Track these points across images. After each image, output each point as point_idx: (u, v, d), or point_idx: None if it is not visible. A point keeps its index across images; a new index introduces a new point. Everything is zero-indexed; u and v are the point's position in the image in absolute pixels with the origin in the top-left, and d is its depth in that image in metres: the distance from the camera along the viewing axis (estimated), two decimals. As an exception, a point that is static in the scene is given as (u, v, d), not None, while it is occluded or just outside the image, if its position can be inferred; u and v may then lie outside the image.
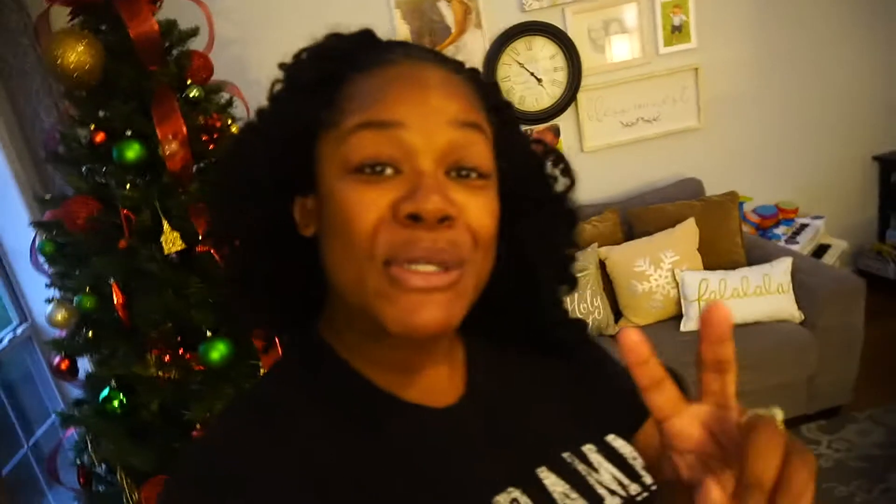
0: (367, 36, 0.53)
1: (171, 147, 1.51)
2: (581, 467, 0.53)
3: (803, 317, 2.40)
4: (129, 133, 1.52)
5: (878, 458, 2.24)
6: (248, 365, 1.56)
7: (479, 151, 0.48)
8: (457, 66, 0.52)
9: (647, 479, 0.54)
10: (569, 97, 3.02)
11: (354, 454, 0.48)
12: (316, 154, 0.49)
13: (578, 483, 0.51)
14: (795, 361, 2.36)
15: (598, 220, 2.85)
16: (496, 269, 0.51)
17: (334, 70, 0.50)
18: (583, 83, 3.01)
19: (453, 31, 2.95)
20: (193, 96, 1.63)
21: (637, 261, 2.65)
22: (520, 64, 3.00)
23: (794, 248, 2.84)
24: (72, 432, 1.81)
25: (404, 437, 0.50)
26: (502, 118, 0.54)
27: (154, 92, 1.54)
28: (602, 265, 2.69)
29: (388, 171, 0.45)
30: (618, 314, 2.69)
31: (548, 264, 0.57)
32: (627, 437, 0.57)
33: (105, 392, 1.59)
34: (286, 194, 0.52)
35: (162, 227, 1.49)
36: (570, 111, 3.07)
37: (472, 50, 2.96)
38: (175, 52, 1.64)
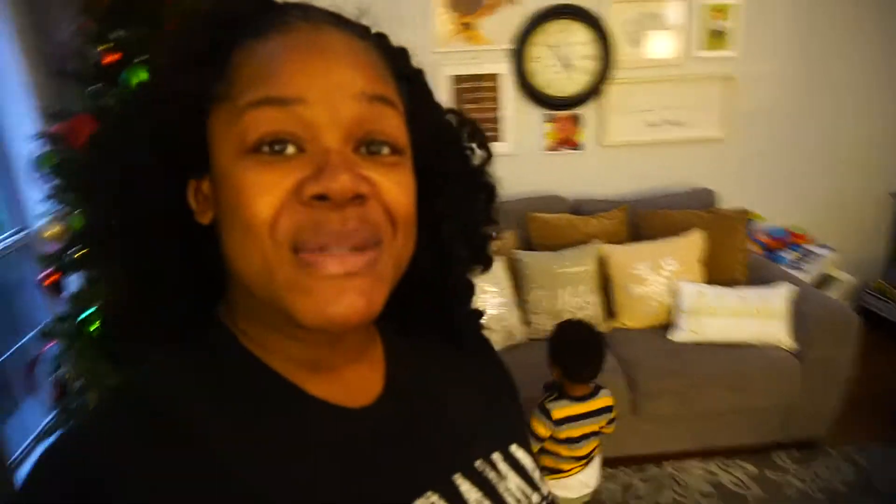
0: None
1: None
2: (492, 475, 0.52)
3: (795, 345, 2.38)
4: (139, 59, 1.50)
5: (842, 496, 2.24)
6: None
7: (391, 125, 0.44)
8: (362, 31, 0.48)
9: (545, 490, 0.55)
10: (596, 88, 2.96)
11: (262, 456, 0.43)
12: (208, 131, 0.44)
13: (490, 491, 0.51)
14: (778, 388, 2.35)
15: (605, 216, 2.82)
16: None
17: (225, 36, 0.44)
18: (613, 76, 2.95)
19: (486, 1, 2.88)
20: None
21: (637, 263, 2.62)
22: (551, 46, 2.93)
23: (799, 274, 2.81)
24: (52, 346, 1.83)
25: (320, 438, 0.46)
26: (414, 87, 0.50)
27: (169, 21, 1.51)
28: (602, 263, 2.67)
29: (290, 149, 0.41)
30: (610, 313, 2.68)
31: (464, 243, 0.54)
32: (525, 448, 0.58)
33: (86, 313, 1.60)
34: (177, 178, 0.46)
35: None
36: (595, 103, 3.01)
37: (503, 25, 2.89)
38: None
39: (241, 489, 0.41)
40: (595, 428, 1.78)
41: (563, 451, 1.78)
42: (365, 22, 0.49)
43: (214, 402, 0.44)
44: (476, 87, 2.98)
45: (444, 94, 2.96)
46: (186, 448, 0.41)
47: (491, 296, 2.44)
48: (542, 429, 1.75)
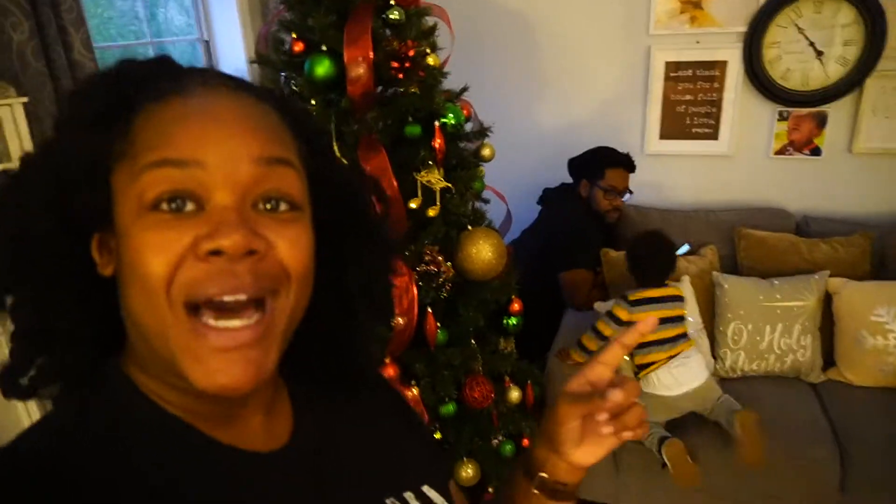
0: (163, 62, 0.49)
1: (356, 71, 1.44)
2: None
3: None
4: (323, 48, 1.48)
5: None
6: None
7: (288, 183, 0.46)
8: (262, 94, 0.49)
9: None
10: (852, 81, 2.39)
11: (173, 501, 0.44)
12: (111, 189, 0.44)
13: None
14: None
15: (840, 242, 2.29)
16: (312, 303, 0.49)
17: (126, 98, 0.45)
18: (878, 67, 2.35)
19: (725, -25, 2.45)
20: (393, 18, 1.52)
21: (878, 307, 2.09)
22: (799, 29, 2.42)
23: None
24: None
25: (227, 483, 0.47)
26: (315, 147, 0.51)
27: (353, 8, 1.46)
28: (828, 299, 2.18)
29: (189, 206, 0.42)
30: (828, 362, 2.19)
31: (365, 296, 0.56)
32: (439, 489, 0.59)
33: None
34: (79, 232, 0.46)
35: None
36: (848, 99, 2.44)
37: (739, 2, 2.44)
38: (386, -33, 1.53)
39: None
40: (671, 313, 1.94)
41: (648, 337, 1.84)
42: None
43: (116, 455, 0.44)
44: (694, 75, 2.58)
45: (656, 83, 2.62)
46: None
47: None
48: (608, 330, 1.94)
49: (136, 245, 0.42)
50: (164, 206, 0.42)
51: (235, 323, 0.42)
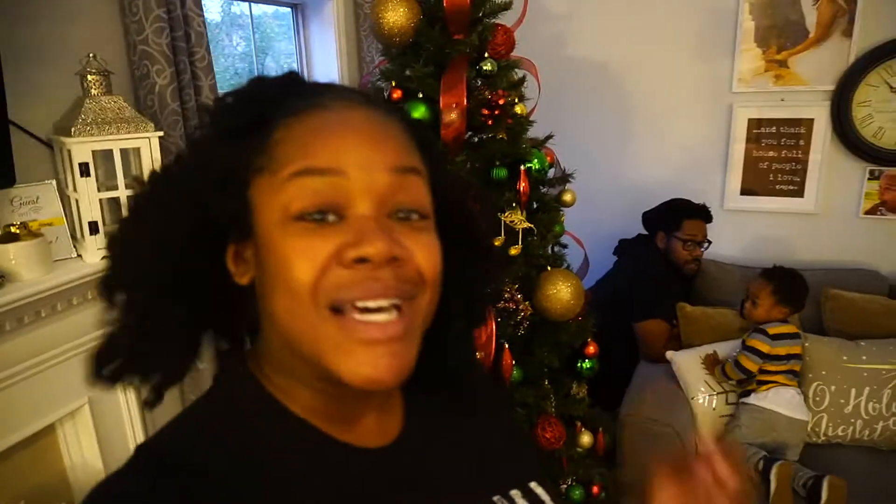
0: (292, 79, 0.51)
1: (449, 116, 1.55)
2: None
3: None
4: (420, 95, 1.61)
5: None
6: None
7: (419, 193, 0.48)
8: (388, 108, 0.51)
9: None
10: (951, 142, 2.32)
11: (292, 498, 0.46)
12: (250, 201, 0.47)
13: None
14: None
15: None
16: None
17: (263, 114, 0.47)
18: (979, 128, 2.27)
19: (812, 35, 2.46)
20: (486, 70, 1.64)
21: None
22: (892, 88, 2.39)
23: None
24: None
25: (341, 478, 0.49)
26: (433, 157, 0.53)
27: (451, 59, 1.58)
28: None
29: (331, 217, 0.44)
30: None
31: (470, 302, 0.58)
32: (545, 486, 0.60)
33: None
34: (216, 243, 0.49)
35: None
36: (946, 160, 2.36)
37: (826, 62, 2.44)
38: (482, 23, 1.65)
39: None
40: (798, 350, 2.03)
41: (780, 367, 2.00)
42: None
43: (242, 452, 0.47)
44: (778, 132, 2.57)
45: (738, 139, 2.62)
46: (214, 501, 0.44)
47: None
48: (750, 364, 2.00)
49: (282, 253, 0.44)
50: (308, 217, 0.44)
51: (381, 317, 0.44)
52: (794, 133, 2.55)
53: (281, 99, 0.48)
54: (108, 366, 0.48)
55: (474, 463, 0.58)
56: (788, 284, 2.07)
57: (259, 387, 0.50)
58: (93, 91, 1.38)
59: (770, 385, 2.00)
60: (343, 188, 0.44)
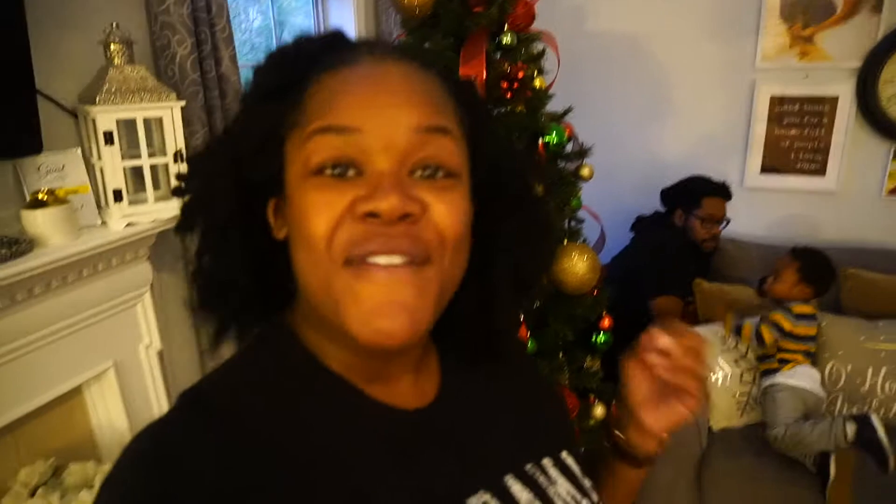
0: (335, 37, 0.51)
1: (468, 88, 1.55)
2: (542, 479, 0.55)
3: None
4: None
5: None
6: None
7: (446, 151, 0.46)
8: (427, 62, 0.50)
9: (595, 497, 0.58)
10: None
11: (325, 451, 0.47)
12: (285, 156, 0.48)
13: (540, 494, 0.53)
14: None
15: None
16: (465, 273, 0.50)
17: (300, 71, 0.48)
18: None
19: (839, 10, 2.41)
20: (506, 43, 1.63)
21: None
22: (920, 65, 2.33)
23: None
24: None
25: (377, 437, 0.49)
26: (476, 116, 0.51)
27: (470, 32, 1.58)
28: (942, 347, 2.05)
29: (351, 172, 0.44)
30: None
31: (516, 269, 0.56)
32: (575, 456, 0.60)
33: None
34: (259, 197, 0.50)
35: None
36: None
37: (853, 39, 2.39)
38: (503, -5, 1.64)
39: (306, 482, 0.45)
40: (815, 332, 2.03)
41: (800, 346, 2.00)
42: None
43: (281, 404, 0.48)
44: (801, 110, 2.53)
45: (759, 117, 2.58)
46: (254, 446, 0.44)
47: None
48: (768, 335, 2.00)
49: (300, 206, 0.45)
50: (328, 171, 0.44)
51: (396, 259, 0.43)
52: (817, 111, 2.51)
53: (319, 56, 0.48)
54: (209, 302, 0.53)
55: (509, 429, 0.58)
56: (815, 266, 2.04)
57: (298, 342, 0.51)
58: (116, 61, 1.40)
59: (792, 363, 1.99)
60: (362, 145, 0.44)
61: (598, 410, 1.84)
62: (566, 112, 1.77)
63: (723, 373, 2.08)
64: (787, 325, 1.99)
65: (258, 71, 0.51)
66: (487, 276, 0.54)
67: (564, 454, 0.59)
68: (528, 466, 0.55)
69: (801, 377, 1.97)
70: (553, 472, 0.56)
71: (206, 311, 0.53)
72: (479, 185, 0.50)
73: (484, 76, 1.55)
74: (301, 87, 0.47)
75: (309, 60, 0.48)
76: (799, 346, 2.00)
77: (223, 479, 0.42)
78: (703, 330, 2.14)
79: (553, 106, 1.75)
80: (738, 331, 2.05)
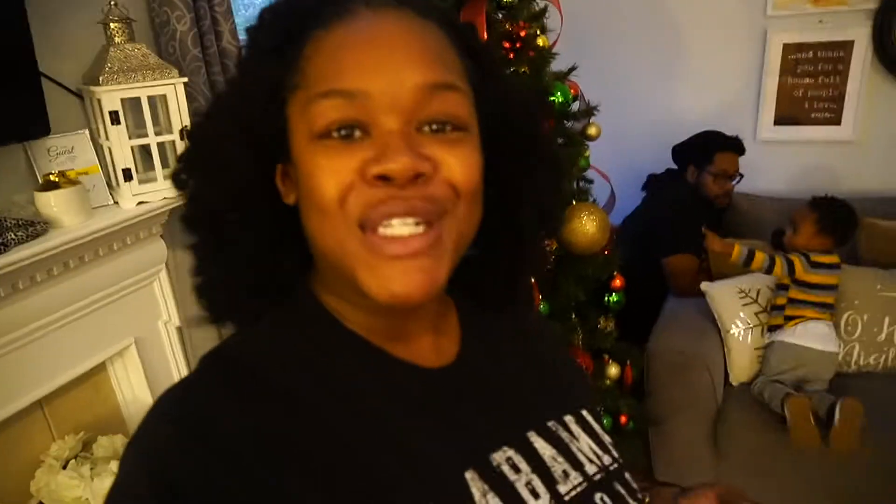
0: None
1: (469, 50, 1.53)
2: (564, 435, 0.55)
3: None
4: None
5: None
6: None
7: (454, 105, 0.45)
8: (425, 10, 0.47)
9: (615, 453, 0.58)
10: None
11: (350, 410, 0.47)
12: (288, 120, 0.47)
13: (563, 449, 0.54)
14: None
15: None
16: (483, 221, 0.50)
17: (295, 28, 0.46)
18: None
19: (853, -49, 2.32)
20: (506, 1, 1.60)
21: None
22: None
23: None
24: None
25: (401, 393, 0.50)
26: (481, 63, 0.50)
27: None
28: (962, 294, 2.02)
29: (357, 133, 0.44)
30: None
31: (534, 210, 0.56)
32: (595, 414, 0.61)
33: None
34: (265, 163, 0.49)
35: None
36: None
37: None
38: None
39: (333, 439, 0.45)
40: (836, 281, 1.98)
41: (812, 297, 1.96)
42: None
43: (305, 362, 0.49)
44: (815, 57, 2.47)
45: (772, 66, 2.52)
46: (281, 405, 0.45)
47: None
48: (779, 270, 1.96)
49: (309, 171, 0.44)
50: (334, 133, 0.43)
51: (405, 230, 0.43)
52: (832, 57, 2.44)
53: (314, 10, 0.46)
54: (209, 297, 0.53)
55: (531, 387, 0.58)
56: (833, 215, 2.00)
57: (318, 304, 0.51)
58: (116, 39, 1.40)
59: (798, 320, 1.97)
60: (367, 107, 0.43)
61: (612, 370, 1.86)
62: (570, 70, 1.75)
63: (742, 327, 2.07)
64: (799, 268, 1.95)
65: (252, 31, 0.49)
66: (511, 222, 0.54)
67: (585, 412, 0.59)
68: (551, 423, 0.55)
69: (802, 335, 1.95)
70: (575, 428, 0.56)
71: (222, 293, 0.53)
72: (489, 131, 0.49)
73: (485, 36, 1.53)
74: (297, 46, 0.46)
75: (303, 17, 0.46)
76: (811, 296, 1.96)
77: (250, 434, 0.42)
78: (717, 286, 2.13)
79: (558, 65, 1.73)
80: (749, 256, 1.99)
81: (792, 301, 1.99)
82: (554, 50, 1.73)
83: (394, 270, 0.43)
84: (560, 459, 0.52)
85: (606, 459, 0.56)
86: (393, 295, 0.43)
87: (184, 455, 0.41)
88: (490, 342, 0.58)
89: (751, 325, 2.06)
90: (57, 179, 1.30)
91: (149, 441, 0.43)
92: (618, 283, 1.84)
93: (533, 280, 1.65)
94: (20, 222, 1.22)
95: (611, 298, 1.86)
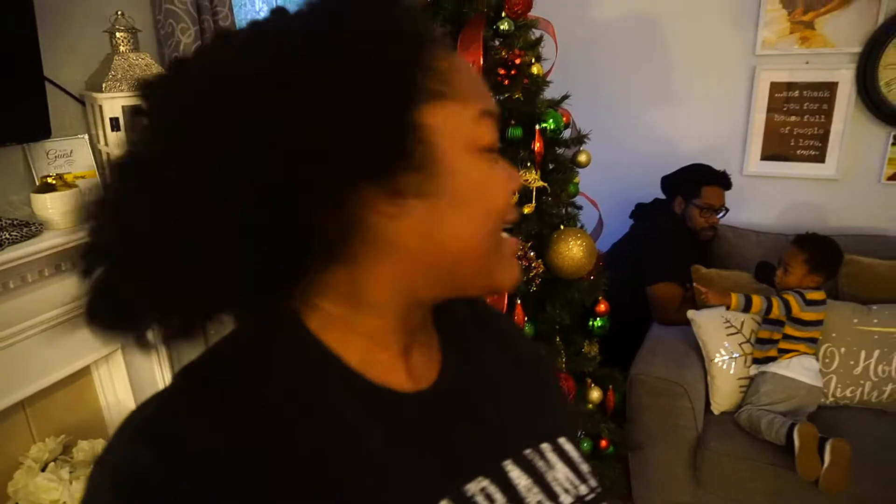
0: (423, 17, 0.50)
1: (465, 75, 1.57)
2: (540, 464, 0.55)
3: None
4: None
5: None
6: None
7: None
8: None
9: (592, 482, 0.57)
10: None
11: (324, 436, 0.45)
12: (420, 124, 0.43)
13: (539, 479, 0.53)
14: None
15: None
16: None
17: (426, 38, 0.46)
18: None
19: (838, -3, 2.41)
20: (503, 29, 1.65)
21: None
22: (920, 51, 2.33)
23: None
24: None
25: (378, 418, 0.48)
26: None
27: (468, 18, 1.60)
28: (938, 332, 2.06)
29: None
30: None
31: None
32: (573, 442, 0.60)
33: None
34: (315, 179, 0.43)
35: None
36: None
37: (854, 24, 2.39)
38: (500, -18, 1.66)
39: (307, 463, 0.43)
40: (823, 317, 2.04)
41: (805, 333, 2.01)
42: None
43: (280, 381, 0.46)
44: (801, 96, 2.54)
45: (759, 103, 2.59)
46: (253, 423, 0.43)
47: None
48: (776, 312, 2.00)
49: (483, 178, 0.47)
50: (494, 152, 0.48)
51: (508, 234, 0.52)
52: (817, 97, 2.51)
53: (424, 30, 0.47)
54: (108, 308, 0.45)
55: (508, 414, 0.57)
56: (821, 252, 2.05)
57: (299, 324, 0.49)
58: (121, 48, 1.44)
59: (792, 353, 2.00)
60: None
61: (595, 394, 1.88)
62: (564, 98, 1.80)
63: (726, 356, 2.10)
64: (795, 308, 1.99)
65: (370, 35, 0.43)
66: None
67: (563, 440, 0.58)
68: (528, 451, 0.54)
69: (796, 369, 1.98)
70: (552, 456, 0.56)
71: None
72: None
73: (481, 63, 1.58)
74: (428, 56, 0.44)
75: (424, 31, 0.46)
76: (804, 332, 2.00)
77: (221, 454, 0.41)
78: (704, 314, 2.16)
79: (551, 93, 1.78)
80: (747, 303, 2.03)
81: (787, 337, 2.02)
82: (548, 78, 1.78)
83: (514, 264, 0.52)
84: (535, 490, 0.52)
85: (583, 489, 0.56)
86: (514, 283, 0.52)
87: (153, 475, 0.40)
88: (468, 367, 0.57)
89: (735, 355, 2.09)
90: (54, 182, 1.32)
91: (117, 460, 0.42)
92: (602, 307, 1.87)
93: (518, 301, 1.68)
94: (15, 222, 1.24)
95: (595, 323, 1.89)
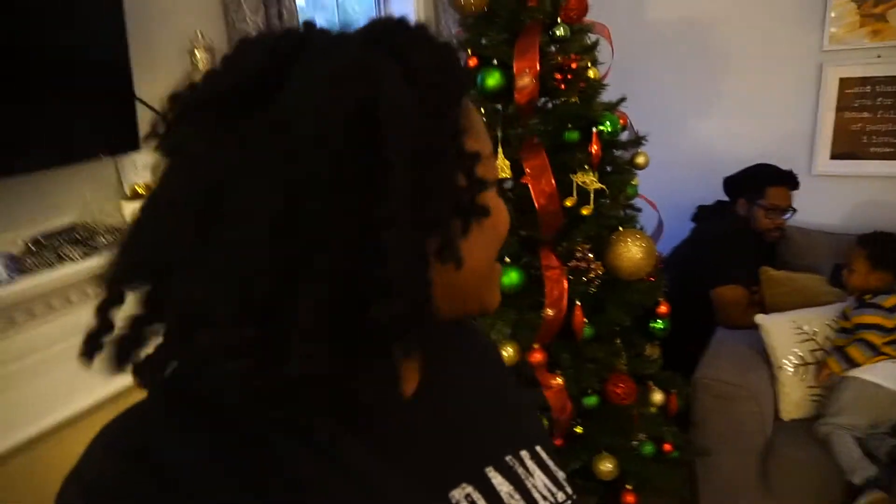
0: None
1: (522, 81, 1.61)
2: (520, 471, 0.56)
3: None
4: (494, 62, 1.67)
5: None
6: (534, 298, 1.66)
7: None
8: None
9: (568, 489, 0.58)
10: None
11: (304, 448, 0.44)
12: (481, 178, 0.46)
13: (519, 485, 0.54)
14: None
15: None
16: None
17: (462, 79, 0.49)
18: None
19: (914, -13, 2.32)
20: (559, 35, 1.68)
21: None
22: None
23: None
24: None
25: (362, 431, 0.47)
26: None
27: (524, 26, 1.64)
28: None
29: None
30: None
31: None
32: (548, 450, 0.61)
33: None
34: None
35: (497, 153, 1.63)
36: None
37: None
38: (556, -12, 1.69)
39: (288, 475, 0.42)
40: None
41: (891, 338, 1.90)
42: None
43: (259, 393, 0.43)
44: (874, 91, 2.44)
45: (828, 100, 2.51)
46: (234, 437, 0.42)
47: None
48: (877, 339, 1.89)
49: (497, 210, 0.49)
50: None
51: None
52: (890, 91, 2.41)
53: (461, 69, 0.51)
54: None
55: (487, 421, 0.59)
56: (884, 248, 1.97)
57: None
58: (200, 66, 1.55)
59: (883, 357, 1.89)
60: None
61: (657, 396, 1.86)
62: (620, 101, 1.80)
63: (798, 362, 2.03)
64: (889, 323, 1.89)
65: (441, 71, 0.44)
66: None
67: (539, 448, 0.59)
68: (508, 458, 0.56)
69: (882, 374, 1.87)
70: (530, 463, 0.57)
71: None
72: None
73: (538, 68, 1.61)
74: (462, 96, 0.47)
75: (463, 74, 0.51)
76: (891, 337, 1.90)
77: (199, 467, 0.40)
78: (772, 318, 2.10)
79: (607, 96, 1.79)
80: (847, 360, 1.92)
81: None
82: (605, 81, 1.79)
83: (499, 287, 0.54)
84: (516, 496, 0.53)
85: (560, 496, 0.57)
86: (496, 306, 0.54)
87: (127, 488, 0.39)
88: (445, 377, 0.57)
89: (805, 363, 2.02)
90: (142, 191, 1.44)
91: (89, 474, 0.40)
92: (663, 309, 1.85)
93: (578, 303, 1.69)
94: (110, 228, 1.36)
95: (655, 325, 1.87)
